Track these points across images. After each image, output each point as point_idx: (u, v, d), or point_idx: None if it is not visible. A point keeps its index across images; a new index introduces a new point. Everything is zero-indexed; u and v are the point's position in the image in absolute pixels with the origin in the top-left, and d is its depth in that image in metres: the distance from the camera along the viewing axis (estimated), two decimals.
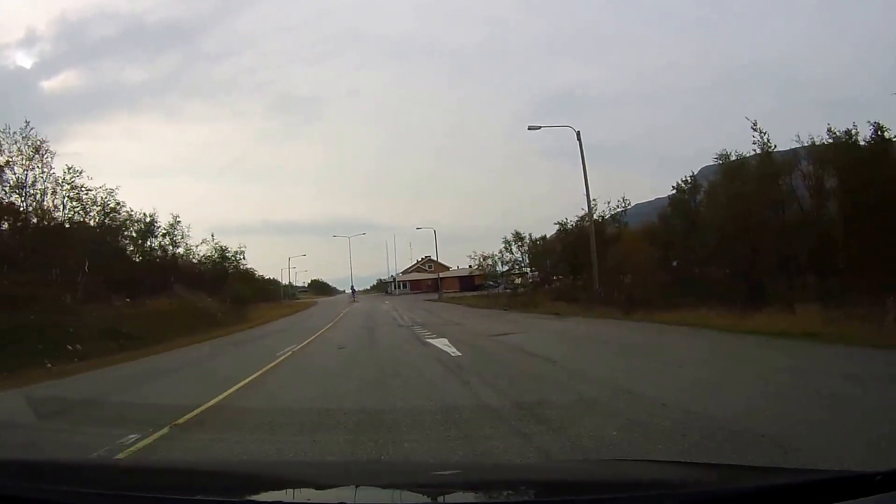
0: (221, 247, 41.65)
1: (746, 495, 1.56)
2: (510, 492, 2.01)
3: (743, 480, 1.85)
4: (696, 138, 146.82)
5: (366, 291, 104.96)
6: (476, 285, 65.63)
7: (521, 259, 42.74)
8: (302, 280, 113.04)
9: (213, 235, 42.73)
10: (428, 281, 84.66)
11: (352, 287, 78.97)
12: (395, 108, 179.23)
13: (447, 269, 79.97)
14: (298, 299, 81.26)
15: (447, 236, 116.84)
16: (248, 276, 48.99)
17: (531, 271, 43.31)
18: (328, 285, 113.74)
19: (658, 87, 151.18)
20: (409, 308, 36.42)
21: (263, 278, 55.86)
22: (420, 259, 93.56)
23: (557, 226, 35.02)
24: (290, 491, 2.01)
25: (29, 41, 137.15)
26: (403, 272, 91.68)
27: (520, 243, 41.88)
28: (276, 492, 1.97)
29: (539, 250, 40.84)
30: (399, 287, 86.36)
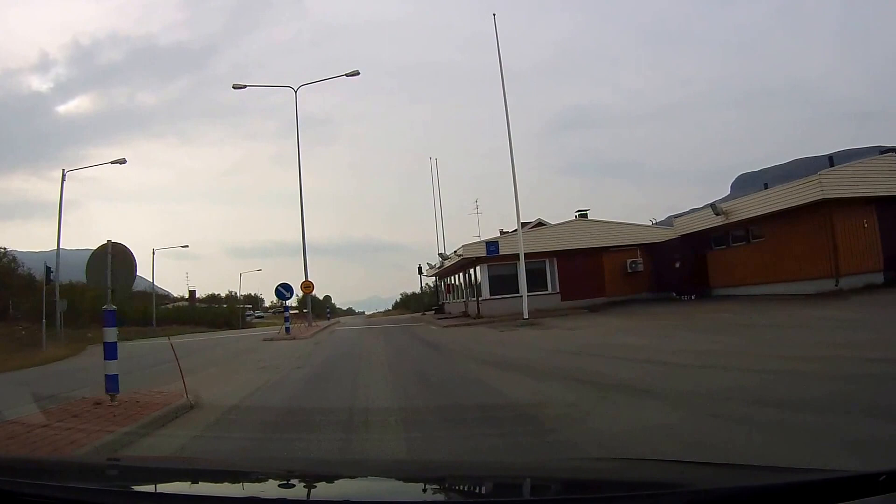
0: None
1: (746, 495, 1.52)
2: (513, 490, 1.96)
3: (742, 480, 1.80)
4: (705, 156, 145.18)
5: (385, 314, 74.37)
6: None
7: None
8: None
9: None
10: (615, 252, 28.12)
11: (318, 299, 36.35)
12: (410, 132, 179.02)
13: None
14: (251, 326, 56.85)
15: None
16: None
17: None
18: (331, 304, 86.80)
19: (673, 105, 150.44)
20: None
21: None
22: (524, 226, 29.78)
23: None
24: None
25: (44, 66, 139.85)
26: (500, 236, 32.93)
27: None
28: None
29: None
30: (501, 281, 27.62)
